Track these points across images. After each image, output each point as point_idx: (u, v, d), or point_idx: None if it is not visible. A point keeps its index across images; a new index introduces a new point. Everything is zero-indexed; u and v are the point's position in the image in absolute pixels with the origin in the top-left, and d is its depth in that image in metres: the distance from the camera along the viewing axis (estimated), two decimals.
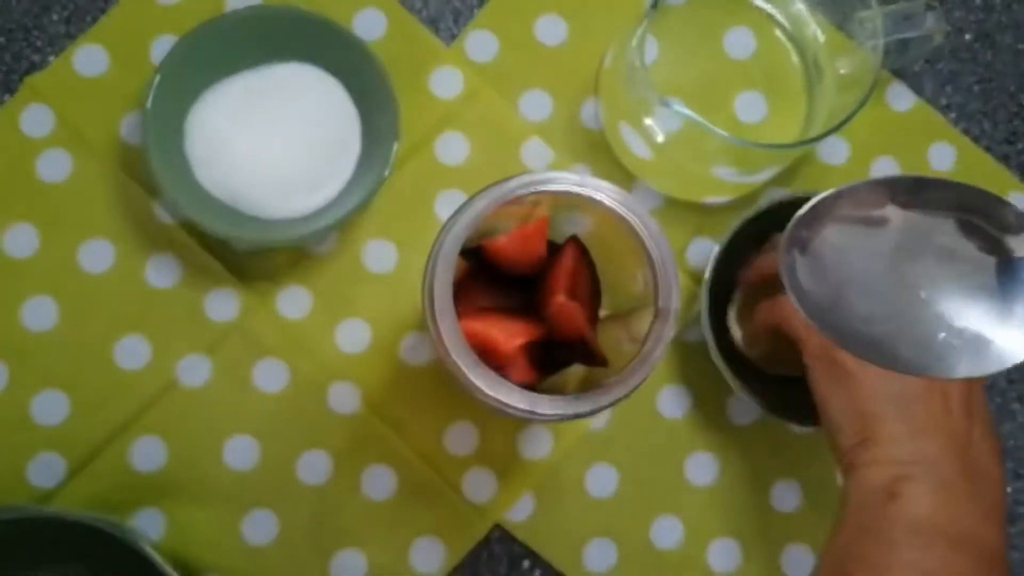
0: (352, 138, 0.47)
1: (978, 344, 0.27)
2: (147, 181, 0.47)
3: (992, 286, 0.28)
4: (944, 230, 0.28)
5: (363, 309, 0.47)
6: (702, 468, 0.48)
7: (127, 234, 0.47)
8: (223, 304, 0.47)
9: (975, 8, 0.52)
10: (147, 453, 0.46)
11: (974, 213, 0.28)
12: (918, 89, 0.51)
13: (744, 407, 0.48)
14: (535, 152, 0.49)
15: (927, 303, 0.28)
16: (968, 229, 0.28)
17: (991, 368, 0.27)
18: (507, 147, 0.49)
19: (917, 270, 0.28)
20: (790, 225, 0.29)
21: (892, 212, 0.29)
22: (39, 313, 0.46)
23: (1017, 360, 0.27)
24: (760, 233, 0.45)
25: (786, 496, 0.48)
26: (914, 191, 0.29)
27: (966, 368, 0.27)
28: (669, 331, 0.34)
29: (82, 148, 0.47)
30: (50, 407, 0.46)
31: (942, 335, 0.28)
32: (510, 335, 0.36)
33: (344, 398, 0.47)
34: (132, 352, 0.46)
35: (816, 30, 0.48)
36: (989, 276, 0.28)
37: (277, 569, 0.45)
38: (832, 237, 0.29)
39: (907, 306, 0.28)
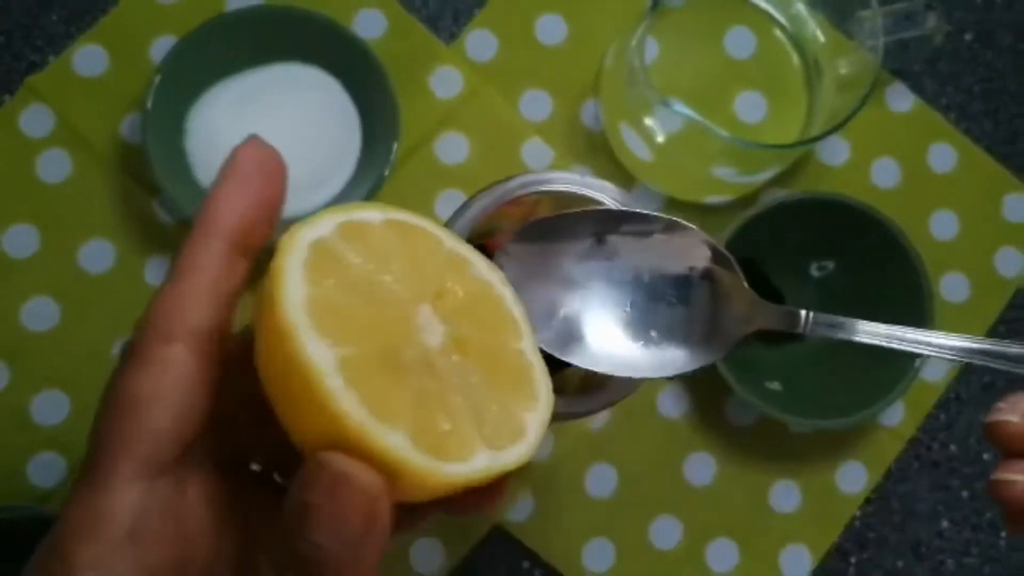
0: (352, 138, 0.47)
1: (615, 358, 0.29)
2: (147, 181, 0.47)
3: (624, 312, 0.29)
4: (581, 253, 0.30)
5: None
6: (701, 468, 0.48)
7: (127, 234, 0.47)
8: None
9: (976, 8, 0.52)
10: None
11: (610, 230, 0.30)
12: (918, 89, 0.51)
13: (743, 407, 0.48)
14: (535, 152, 0.49)
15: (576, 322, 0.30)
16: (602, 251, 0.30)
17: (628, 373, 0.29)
18: (507, 147, 0.49)
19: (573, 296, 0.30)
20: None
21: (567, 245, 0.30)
22: (39, 313, 0.46)
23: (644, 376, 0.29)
24: (759, 233, 0.45)
25: (784, 496, 0.48)
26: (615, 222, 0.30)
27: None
28: None
29: (82, 148, 0.47)
30: (50, 407, 0.46)
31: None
32: None
33: None
34: None
35: (816, 30, 0.48)
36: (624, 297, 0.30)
37: None
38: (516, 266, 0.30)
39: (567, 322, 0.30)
